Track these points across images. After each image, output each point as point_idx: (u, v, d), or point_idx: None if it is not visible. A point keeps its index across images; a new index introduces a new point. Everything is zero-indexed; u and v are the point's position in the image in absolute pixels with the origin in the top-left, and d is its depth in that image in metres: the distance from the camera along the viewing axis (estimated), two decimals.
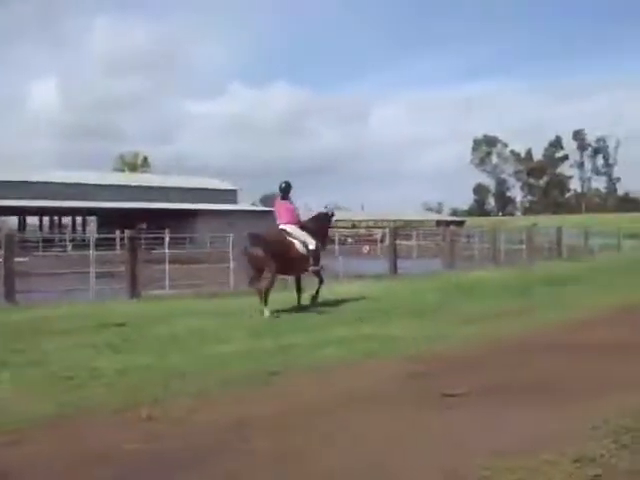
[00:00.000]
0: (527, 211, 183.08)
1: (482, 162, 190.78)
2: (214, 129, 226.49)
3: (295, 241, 14.14)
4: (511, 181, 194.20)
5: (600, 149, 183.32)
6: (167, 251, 22.80)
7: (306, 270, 14.46)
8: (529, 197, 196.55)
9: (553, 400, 6.77)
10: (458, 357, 9.23)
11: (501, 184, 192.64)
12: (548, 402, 6.68)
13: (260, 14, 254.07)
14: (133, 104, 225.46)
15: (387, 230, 27.71)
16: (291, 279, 15.66)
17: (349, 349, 9.56)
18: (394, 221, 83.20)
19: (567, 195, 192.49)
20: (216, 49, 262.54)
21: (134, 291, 16.90)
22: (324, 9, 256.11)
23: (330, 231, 17.16)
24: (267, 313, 13.01)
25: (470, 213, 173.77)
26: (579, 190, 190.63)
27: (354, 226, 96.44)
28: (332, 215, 16.28)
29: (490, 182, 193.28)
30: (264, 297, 13.19)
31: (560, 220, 56.98)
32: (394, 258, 23.83)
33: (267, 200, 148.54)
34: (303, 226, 14.62)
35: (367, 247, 46.91)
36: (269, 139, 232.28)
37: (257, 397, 7.10)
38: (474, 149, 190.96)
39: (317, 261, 14.56)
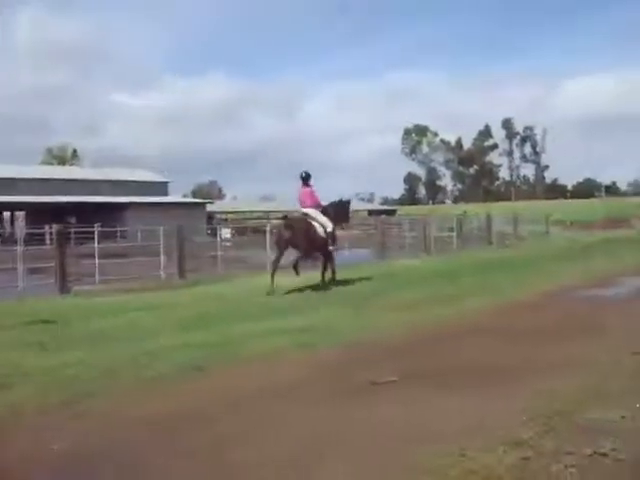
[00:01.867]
0: (457, 199, 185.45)
1: (413, 151, 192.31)
2: (146, 121, 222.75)
3: (316, 224, 15.53)
4: (442, 170, 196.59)
5: (528, 137, 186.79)
6: (97, 245, 22.44)
7: (327, 250, 15.84)
8: (459, 185, 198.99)
9: (483, 385, 6.87)
10: (390, 344, 9.30)
11: (432, 173, 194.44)
12: (477, 387, 6.78)
13: (194, 3, 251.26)
14: (63, 97, 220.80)
15: None
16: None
17: (282, 340, 9.52)
18: None
19: (497, 183, 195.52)
20: (149, 39, 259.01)
21: (64, 287, 16.63)
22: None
23: (349, 216, 18.60)
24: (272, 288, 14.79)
25: (401, 202, 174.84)
26: (508, 178, 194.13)
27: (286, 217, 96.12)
28: (349, 202, 17.76)
29: (421, 171, 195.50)
30: (295, 270, 15.52)
31: (490, 208, 57.71)
32: None
33: (199, 191, 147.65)
34: (323, 210, 16.02)
35: None
36: (201, 130, 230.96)
37: (184, 392, 7.05)
38: (405, 138, 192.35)
39: (334, 242, 16.04)
